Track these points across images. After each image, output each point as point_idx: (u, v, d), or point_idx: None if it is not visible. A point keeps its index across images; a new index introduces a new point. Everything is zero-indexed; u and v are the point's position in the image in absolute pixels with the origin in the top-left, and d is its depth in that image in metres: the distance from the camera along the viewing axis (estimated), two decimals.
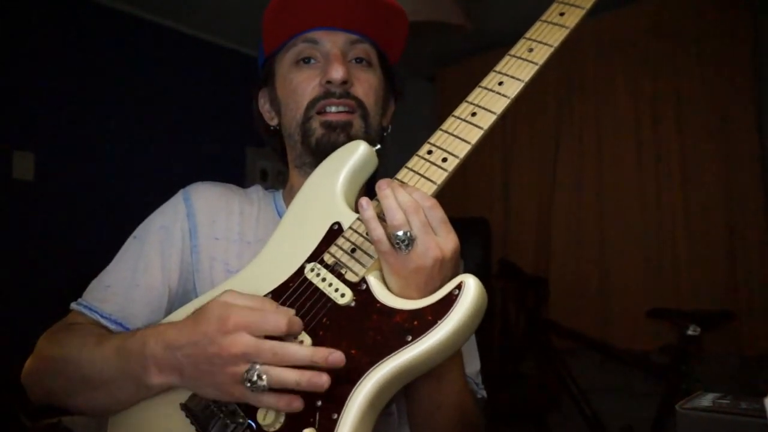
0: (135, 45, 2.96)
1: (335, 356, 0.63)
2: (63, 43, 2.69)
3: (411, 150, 0.77)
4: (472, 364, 0.95)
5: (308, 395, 0.64)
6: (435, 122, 0.74)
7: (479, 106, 0.75)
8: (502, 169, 3.42)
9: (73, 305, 0.88)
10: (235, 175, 3.33)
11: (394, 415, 0.85)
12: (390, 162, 0.98)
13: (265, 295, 0.74)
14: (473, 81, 0.79)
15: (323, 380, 0.62)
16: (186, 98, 3.13)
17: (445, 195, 0.71)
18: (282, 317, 0.64)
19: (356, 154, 0.81)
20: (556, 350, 2.70)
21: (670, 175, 2.78)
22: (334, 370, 0.64)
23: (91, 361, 0.75)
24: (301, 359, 0.62)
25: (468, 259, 1.04)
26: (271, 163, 3.44)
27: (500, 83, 0.76)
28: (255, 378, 0.61)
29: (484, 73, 0.79)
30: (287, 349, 0.63)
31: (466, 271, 0.75)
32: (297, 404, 0.63)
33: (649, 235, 2.81)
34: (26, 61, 2.57)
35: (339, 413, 0.62)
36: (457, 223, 0.71)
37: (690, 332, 2.28)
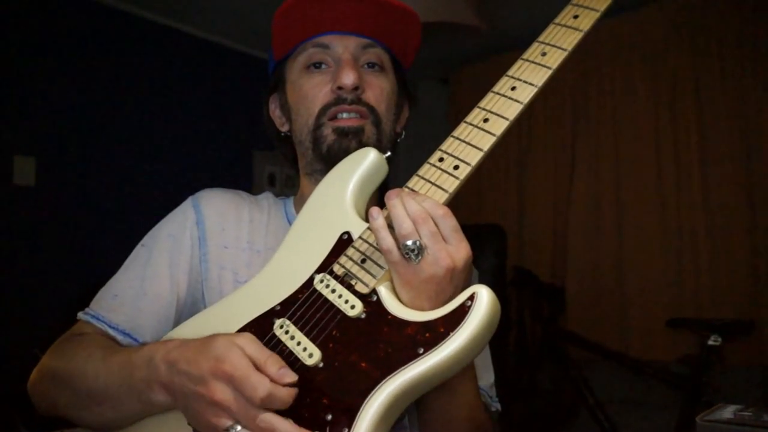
0: (139, 47, 2.91)
1: None
2: (65, 46, 2.64)
3: (423, 152, 0.75)
4: (486, 377, 0.93)
5: (318, 408, 0.63)
6: (448, 124, 0.72)
7: (491, 112, 0.74)
8: (517, 174, 3.39)
9: (81, 315, 0.88)
10: (243, 179, 3.28)
11: (407, 429, 0.83)
12: (402, 164, 0.97)
13: (273, 307, 0.73)
14: (488, 83, 0.77)
15: None
16: (192, 101, 3.07)
17: (459, 202, 0.70)
18: (261, 386, 0.60)
19: (366, 162, 0.79)
20: (572, 360, 2.67)
21: (690, 180, 2.74)
22: (345, 383, 0.62)
23: (96, 375, 0.74)
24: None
25: (482, 266, 1.02)
26: (279, 168, 3.39)
27: (513, 88, 0.75)
28: None
29: (499, 75, 0.77)
30: (266, 420, 0.60)
31: (481, 278, 0.73)
32: None
33: (669, 242, 2.77)
34: (27, 64, 2.52)
35: (350, 427, 0.61)
36: (471, 230, 0.69)
37: (711, 342, 2.25)
